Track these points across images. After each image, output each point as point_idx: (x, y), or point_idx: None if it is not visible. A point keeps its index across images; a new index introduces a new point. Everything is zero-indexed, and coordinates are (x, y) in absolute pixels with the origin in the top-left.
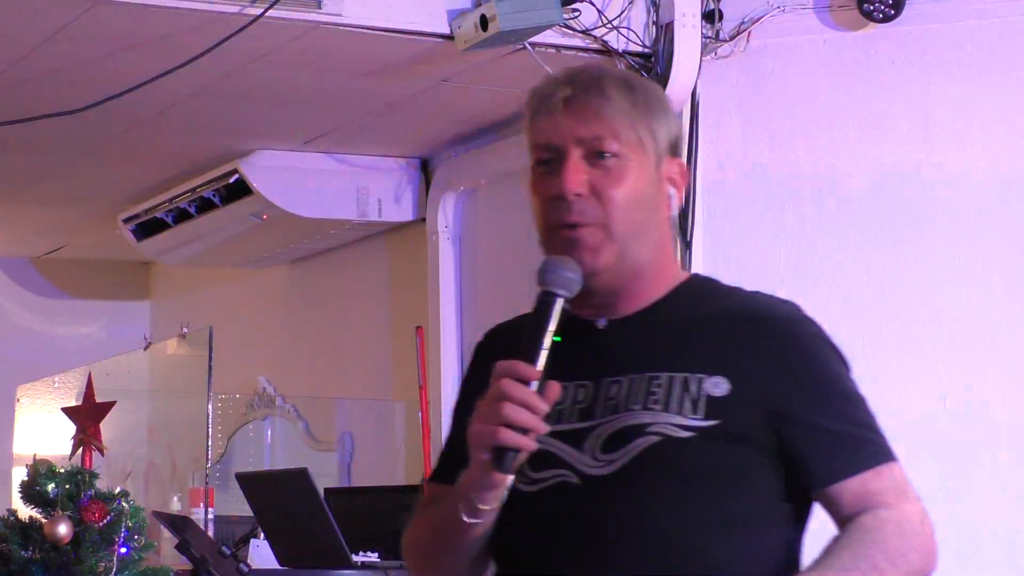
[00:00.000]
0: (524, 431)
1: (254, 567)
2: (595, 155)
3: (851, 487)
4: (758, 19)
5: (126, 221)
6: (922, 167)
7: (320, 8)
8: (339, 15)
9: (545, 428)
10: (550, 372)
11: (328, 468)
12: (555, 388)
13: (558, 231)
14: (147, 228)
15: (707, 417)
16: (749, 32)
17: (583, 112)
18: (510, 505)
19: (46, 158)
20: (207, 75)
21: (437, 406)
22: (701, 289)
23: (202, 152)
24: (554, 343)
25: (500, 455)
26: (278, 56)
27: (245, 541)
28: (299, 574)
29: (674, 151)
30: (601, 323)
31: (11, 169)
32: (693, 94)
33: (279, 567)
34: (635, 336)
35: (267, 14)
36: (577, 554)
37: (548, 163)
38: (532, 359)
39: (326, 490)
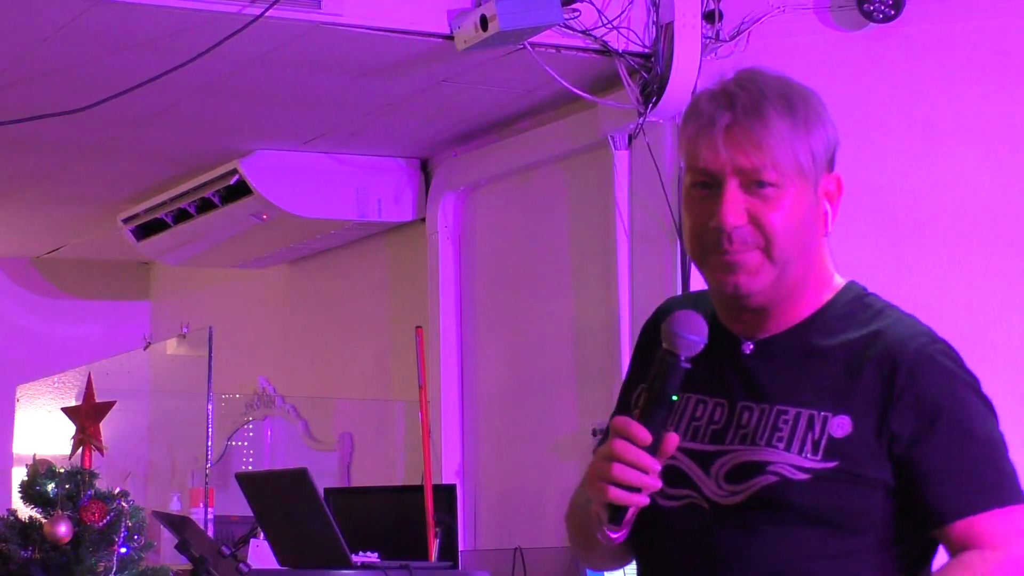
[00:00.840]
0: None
1: (254, 567)
2: (754, 184)
3: (959, 528)
4: (758, 19)
5: (126, 221)
6: (922, 167)
7: (320, 8)
8: (339, 15)
9: (658, 484)
10: (690, 385)
11: (328, 468)
12: (673, 441)
13: (717, 255)
14: (147, 228)
15: (825, 458)
16: (749, 32)
17: (744, 142)
18: (649, 514)
19: (46, 158)
20: (207, 75)
21: (436, 406)
22: (848, 308)
23: (202, 152)
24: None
25: (613, 510)
26: (278, 56)
27: (245, 541)
28: (299, 574)
29: (831, 164)
30: (748, 348)
31: (11, 169)
32: (693, 94)
33: (279, 567)
34: (775, 361)
35: (267, 14)
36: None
37: (706, 187)
38: (649, 420)
39: (326, 490)
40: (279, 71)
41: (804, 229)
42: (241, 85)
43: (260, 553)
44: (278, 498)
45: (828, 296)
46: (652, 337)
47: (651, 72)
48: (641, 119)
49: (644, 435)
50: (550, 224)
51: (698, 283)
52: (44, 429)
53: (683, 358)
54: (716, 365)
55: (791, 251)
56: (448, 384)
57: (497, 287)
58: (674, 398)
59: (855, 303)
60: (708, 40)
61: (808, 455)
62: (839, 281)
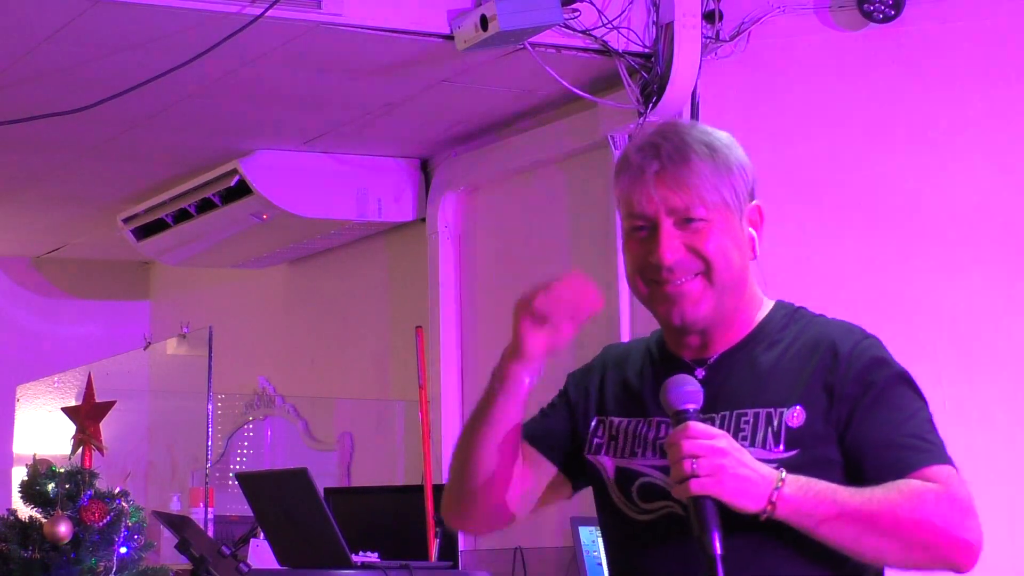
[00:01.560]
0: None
1: (254, 567)
2: (685, 221)
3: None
4: (758, 19)
5: (126, 221)
6: (922, 167)
7: (320, 8)
8: (339, 15)
9: None
10: (654, 410)
11: (328, 468)
12: None
13: (660, 287)
14: (147, 228)
15: (788, 448)
16: (749, 32)
17: (672, 184)
18: (625, 532)
19: (46, 158)
20: (207, 75)
21: (436, 406)
22: (784, 320)
23: (202, 152)
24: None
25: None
26: (278, 56)
27: (245, 541)
28: (299, 574)
29: (752, 195)
30: (700, 374)
31: (11, 169)
32: (693, 94)
33: (279, 567)
34: (727, 377)
35: (267, 14)
36: None
37: (643, 229)
38: None
39: (326, 490)
40: (279, 71)
41: (734, 255)
42: (241, 85)
43: (260, 553)
44: (278, 498)
45: (762, 314)
46: (586, 379)
47: (651, 72)
48: (641, 119)
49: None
50: (550, 224)
51: None
52: (44, 429)
53: (690, 409)
54: None
55: (728, 275)
56: (448, 384)
57: (497, 287)
58: None
59: (789, 316)
60: (708, 40)
61: (771, 447)
62: (768, 301)
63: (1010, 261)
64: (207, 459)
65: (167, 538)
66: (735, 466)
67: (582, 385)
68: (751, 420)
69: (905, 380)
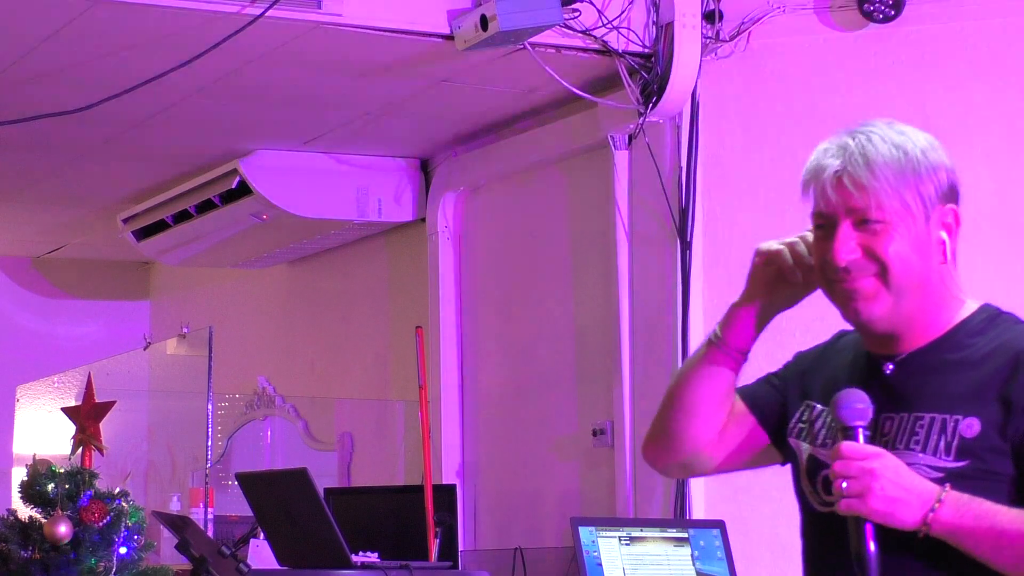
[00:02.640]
0: None
1: (254, 567)
2: (863, 222)
3: None
4: (758, 19)
5: (126, 221)
6: None
7: (320, 8)
8: (339, 15)
9: None
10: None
11: (328, 468)
12: None
13: (838, 284)
14: (147, 228)
15: (958, 458)
16: (749, 32)
17: (851, 185)
18: (810, 519)
19: (46, 158)
20: (207, 75)
21: (436, 406)
22: (980, 325)
23: (202, 152)
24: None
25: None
26: (278, 56)
27: (245, 541)
28: (299, 574)
29: (948, 198)
30: (888, 368)
31: (11, 169)
32: (693, 94)
33: (279, 567)
34: (913, 376)
35: (267, 14)
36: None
37: (823, 228)
38: None
39: (326, 490)
40: (279, 71)
41: (914, 258)
42: (241, 85)
43: (260, 553)
44: (278, 498)
45: (959, 317)
46: (809, 360)
47: (651, 72)
48: (641, 119)
49: None
50: (550, 224)
51: (697, 282)
52: (44, 429)
53: (859, 426)
54: (862, 384)
55: (905, 277)
56: (448, 384)
57: (497, 287)
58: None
59: (987, 321)
60: (708, 40)
61: (942, 456)
62: (972, 303)
63: (1011, 260)
64: (207, 459)
65: (167, 538)
66: (886, 488)
67: (803, 364)
68: (926, 425)
69: None
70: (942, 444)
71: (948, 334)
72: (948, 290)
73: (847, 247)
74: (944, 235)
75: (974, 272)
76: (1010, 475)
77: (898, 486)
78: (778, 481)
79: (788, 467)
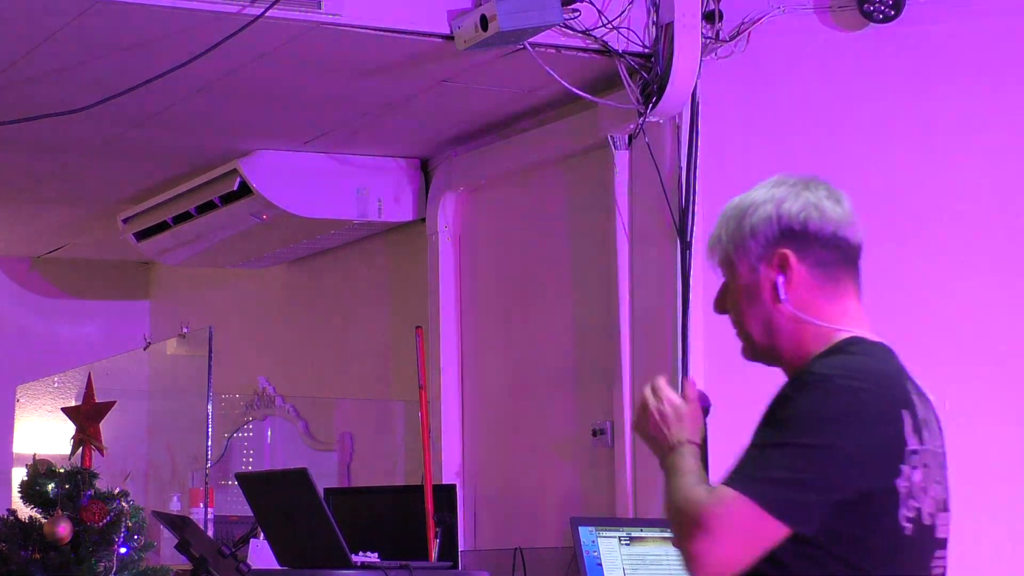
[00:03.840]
0: None
1: (254, 567)
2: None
3: None
4: (758, 19)
5: (126, 221)
6: (922, 168)
7: (320, 8)
8: (339, 15)
9: None
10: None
11: (328, 468)
12: None
13: None
14: (147, 228)
15: None
16: (749, 32)
17: (708, 248)
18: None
19: (46, 158)
20: (207, 75)
21: (436, 406)
22: (818, 359)
23: (203, 152)
24: None
25: None
26: (278, 56)
27: (245, 541)
28: (298, 574)
29: (778, 243)
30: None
31: (11, 169)
32: (693, 95)
33: (279, 567)
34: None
35: (267, 14)
36: None
37: None
38: None
39: (326, 490)
40: (279, 71)
41: (747, 304)
42: (241, 85)
43: (260, 553)
44: (278, 498)
45: (818, 350)
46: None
47: (651, 72)
48: (641, 119)
49: None
50: (550, 224)
51: (697, 282)
52: (44, 429)
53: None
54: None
55: (745, 324)
56: (448, 384)
57: (497, 287)
58: None
59: (826, 354)
60: (708, 40)
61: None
62: (841, 336)
63: (1011, 261)
64: (207, 459)
65: (167, 538)
66: (650, 426)
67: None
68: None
69: (818, 416)
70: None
71: (805, 365)
72: (802, 326)
73: (715, 300)
74: (777, 277)
75: (973, 271)
76: None
77: (658, 429)
78: None
79: None
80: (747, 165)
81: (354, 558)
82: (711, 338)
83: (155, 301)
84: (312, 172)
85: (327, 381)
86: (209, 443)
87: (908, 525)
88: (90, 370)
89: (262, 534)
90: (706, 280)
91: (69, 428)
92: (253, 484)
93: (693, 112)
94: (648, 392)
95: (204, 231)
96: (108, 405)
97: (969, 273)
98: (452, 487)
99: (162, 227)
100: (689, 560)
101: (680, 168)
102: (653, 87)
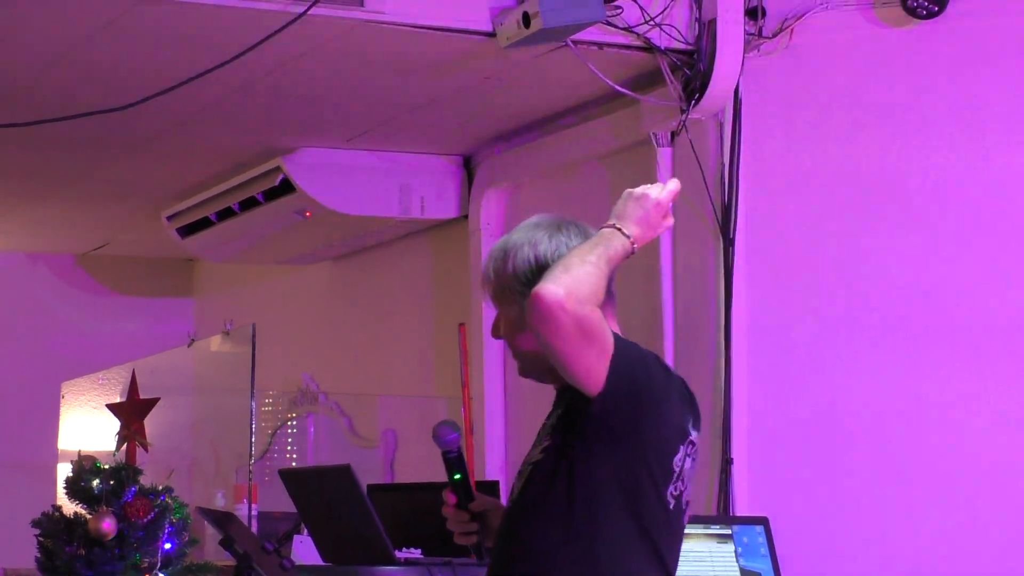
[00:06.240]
0: None
1: (297, 563)
2: None
3: None
4: (801, 16)
5: (170, 218)
6: (970, 165)
7: (363, 6)
8: (382, 12)
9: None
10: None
11: (371, 464)
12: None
13: None
14: (191, 225)
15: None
16: (792, 29)
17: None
18: None
19: (91, 155)
20: (251, 72)
21: (480, 403)
22: None
23: (246, 149)
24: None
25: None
26: (321, 53)
27: (288, 537)
28: (342, 570)
29: (537, 279)
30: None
31: (56, 166)
32: (735, 91)
33: (322, 563)
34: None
35: (310, 12)
36: None
37: None
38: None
39: (369, 486)
40: (322, 69)
41: (512, 331)
42: (285, 83)
43: (304, 549)
44: (321, 494)
45: None
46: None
47: (694, 69)
48: (684, 116)
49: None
50: (593, 221)
51: (740, 279)
52: (89, 425)
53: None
54: None
55: (512, 347)
56: (491, 381)
57: None
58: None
59: None
60: (751, 37)
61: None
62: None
63: None
64: (251, 456)
65: (211, 534)
66: (628, 209)
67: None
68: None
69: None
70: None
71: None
72: None
73: (492, 327)
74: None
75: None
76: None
77: (635, 209)
78: (823, 477)
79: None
80: (789, 162)
81: (397, 554)
82: (754, 334)
83: (199, 298)
84: (355, 169)
85: (370, 378)
86: (252, 439)
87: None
88: (134, 367)
89: (306, 530)
90: (749, 277)
91: (114, 424)
92: (297, 480)
93: (736, 109)
94: (662, 186)
95: (247, 228)
96: (152, 401)
97: (1016, 267)
98: (495, 483)
99: (206, 224)
100: (547, 290)
101: (723, 165)
102: (696, 84)
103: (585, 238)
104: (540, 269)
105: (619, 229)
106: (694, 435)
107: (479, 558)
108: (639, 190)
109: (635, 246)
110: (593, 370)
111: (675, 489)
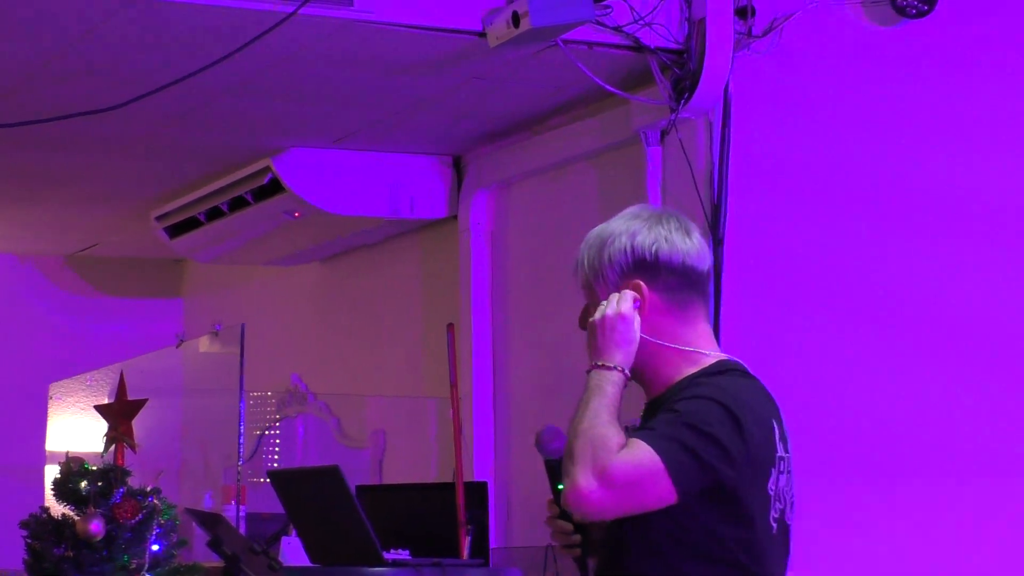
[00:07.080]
0: None
1: (285, 564)
2: None
3: None
4: (791, 15)
5: (159, 219)
6: (956, 164)
7: (352, 6)
8: (371, 12)
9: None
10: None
11: (359, 465)
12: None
13: None
14: (180, 226)
15: None
16: (781, 28)
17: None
18: None
19: (79, 156)
20: (240, 72)
21: (468, 403)
22: (691, 379)
23: (235, 150)
24: None
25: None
26: (311, 53)
27: (277, 538)
28: (330, 571)
29: (633, 271)
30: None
31: (45, 167)
32: (725, 91)
33: (310, 564)
34: (647, 417)
35: (300, 12)
36: None
37: None
38: None
39: (358, 487)
40: (312, 69)
41: (604, 329)
42: (274, 83)
43: (292, 550)
44: (310, 495)
45: (687, 372)
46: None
47: (683, 68)
48: (673, 115)
49: None
50: (582, 221)
51: (730, 278)
52: (77, 427)
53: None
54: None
55: (597, 344)
56: (480, 381)
57: (529, 284)
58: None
59: (700, 375)
60: (740, 36)
61: None
62: (707, 361)
63: None
64: (239, 457)
65: (199, 535)
66: (597, 335)
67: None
68: None
69: (685, 419)
70: None
71: (672, 386)
72: (665, 349)
73: (580, 318)
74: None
75: (1010, 266)
76: None
77: (605, 340)
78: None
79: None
80: (779, 161)
81: (386, 555)
82: (743, 333)
83: (187, 299)
84: (344, 169)
85: (359, 378)
86: (241, 440)
87: (774, 525)
88: (123, 368)
89: (294, 531)
90: (739, 276)
91: (102, 426)
92: (285, 481)
93: (725, 108)
94: (614, 298)
95: (236, 228)
96: (140, 403)
97: (1004, 267)
98: (483, 484)
99: (194, 224)
100: (576, 490)
101: (712, 164)
102: (685, 83)
103: (686, 232)
104: (637, 260)
105: (602, 366)
106: (781, 450)
107: (583, 573)
108: (597, 318)
109: (626, 372)
110: (662, 499)
111: (775, 511)
